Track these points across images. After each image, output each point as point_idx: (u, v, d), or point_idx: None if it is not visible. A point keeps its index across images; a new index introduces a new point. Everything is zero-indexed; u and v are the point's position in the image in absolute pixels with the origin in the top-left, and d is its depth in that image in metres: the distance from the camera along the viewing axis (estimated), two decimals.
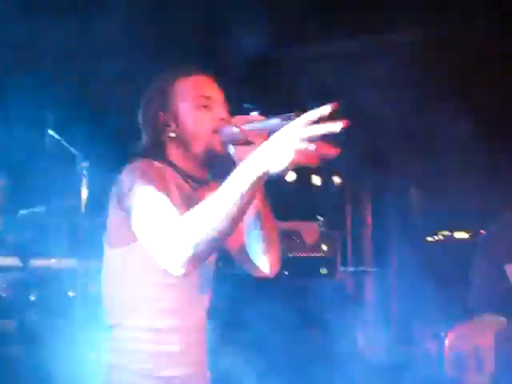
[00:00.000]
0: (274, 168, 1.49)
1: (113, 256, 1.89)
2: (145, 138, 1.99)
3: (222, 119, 1.92)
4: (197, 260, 1.57)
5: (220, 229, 1.53)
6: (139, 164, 1.82)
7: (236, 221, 1.56)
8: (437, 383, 3.02)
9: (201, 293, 1.94)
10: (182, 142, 1.92)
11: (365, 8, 4.31)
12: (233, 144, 1.89)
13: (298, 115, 1.55)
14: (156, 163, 1.85)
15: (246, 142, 1.85)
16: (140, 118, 2.01)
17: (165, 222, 1.61)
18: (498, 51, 4.51)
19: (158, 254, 1.60)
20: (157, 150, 1.94)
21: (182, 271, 1.57)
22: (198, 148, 1.91)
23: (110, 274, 1.91)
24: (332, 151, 1.47)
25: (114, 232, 1.87)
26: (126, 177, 1.78)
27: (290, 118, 1.64)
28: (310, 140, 1.47)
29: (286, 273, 4.64)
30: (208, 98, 1.95)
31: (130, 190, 1.74)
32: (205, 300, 1.97)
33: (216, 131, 1.90)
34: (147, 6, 4.32)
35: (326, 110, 1.47)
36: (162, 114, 1.95)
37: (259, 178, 1.51)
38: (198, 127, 1.92)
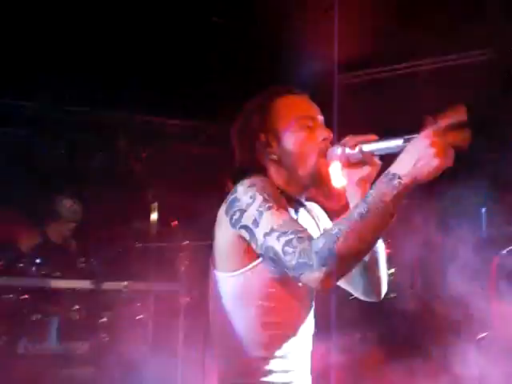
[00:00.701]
0: (425, 178, 1.50)
1: (227, 282, 1.75)
2: (242, 159, 1.88)
3: (326, 140, 1.83)
4: (341, 274, 1.57)
5: (366, 244, 1.53)
6: (257, 179, 1.72)
7: (380, 234, 1.56)
8: None
9: (310, 315, 1.87)
10: (285, 164, 1.82)
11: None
12: (343, 165, 1.80)
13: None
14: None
15: (359, 163, 1.78)
16: (236, 137, 1.90)
17: (303, 235, 1.57)
18: None
19: (296, 269, 1.55)
20: (258, 171, 1.82)
21: (323, 286, 1.54)
22: (303, 171, 1.81)
23: (226, 302, 1.76)
24: (464, 141, 1.49)
25: (230, 256, 1.74)
26: (243, 192, 1.68)
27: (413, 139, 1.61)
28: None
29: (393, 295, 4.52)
30: (311, 118, 1.85)
31: (250, 204, 1.65)
32: (312, 321, 1.90)
33: (322, 153, 1.81)
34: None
35: (461, 115, 1.49)
36: (262, 133, 1.84)
37: (407, 191, 1.52)
38: (304, 149, 1.81)
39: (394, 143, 1.66)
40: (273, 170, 1.85)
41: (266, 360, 1.73)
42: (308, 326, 1.84)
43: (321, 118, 1.88)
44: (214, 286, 1.79)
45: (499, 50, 4.49)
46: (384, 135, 1.74)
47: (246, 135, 1.87)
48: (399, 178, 1.51)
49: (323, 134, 1.83)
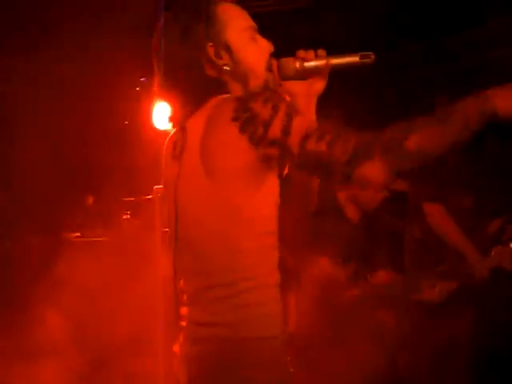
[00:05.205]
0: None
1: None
2: (188, 75, 1.75)
3: (272, 53, 1.79)
4: None
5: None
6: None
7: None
8: None
9: None
10: (238, 78, 1.74)
11: None
12: (290, 79, 1.79)
13: (374, 55, 1.68)
14: None
15: (305, 78, 1.79)
16: (172, 50, 1.74)
17: None
18: None
19: None
20: (217, 86, 1.73)
21: None
22: (255, 83, 1.74)
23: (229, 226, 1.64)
24: None
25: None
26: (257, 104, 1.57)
27: (369, 57, 1.70)
28: None
29: None
30: (254, 29, 1.79)
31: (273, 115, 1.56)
32: None
33: (269, 66, 1.77)
34: None
35: None
36: (211, 44, 1.72)
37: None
38: (256, 61, 1.75)
39: (353, 59, 1.75)
40: (229, 83, 1.76)
41: None
42: None
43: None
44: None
45: None
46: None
47: (188, 47, 1.73)
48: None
49: (268, 46, 1.80)
